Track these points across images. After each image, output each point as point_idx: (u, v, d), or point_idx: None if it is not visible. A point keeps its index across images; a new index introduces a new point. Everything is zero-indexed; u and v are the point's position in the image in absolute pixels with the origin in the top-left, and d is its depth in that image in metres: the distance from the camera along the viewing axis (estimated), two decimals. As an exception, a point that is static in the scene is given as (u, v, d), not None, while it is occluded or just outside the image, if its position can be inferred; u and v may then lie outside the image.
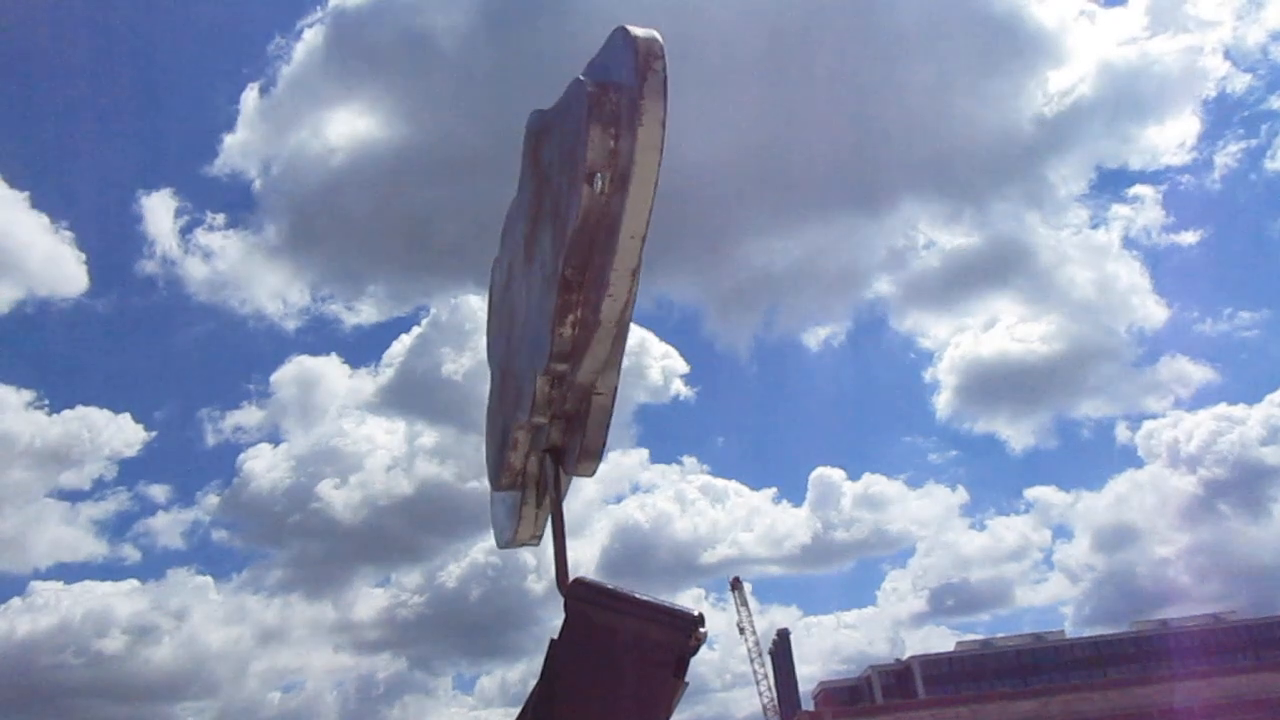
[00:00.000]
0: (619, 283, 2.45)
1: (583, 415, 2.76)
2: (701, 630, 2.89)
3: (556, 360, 2.65)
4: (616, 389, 2.70)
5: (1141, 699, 49.19)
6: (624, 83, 2.38)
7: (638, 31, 2.39)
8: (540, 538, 3.30)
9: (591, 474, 2.83)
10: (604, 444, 2.75)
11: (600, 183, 2.42)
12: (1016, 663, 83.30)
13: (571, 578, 2.98)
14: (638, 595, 2.95)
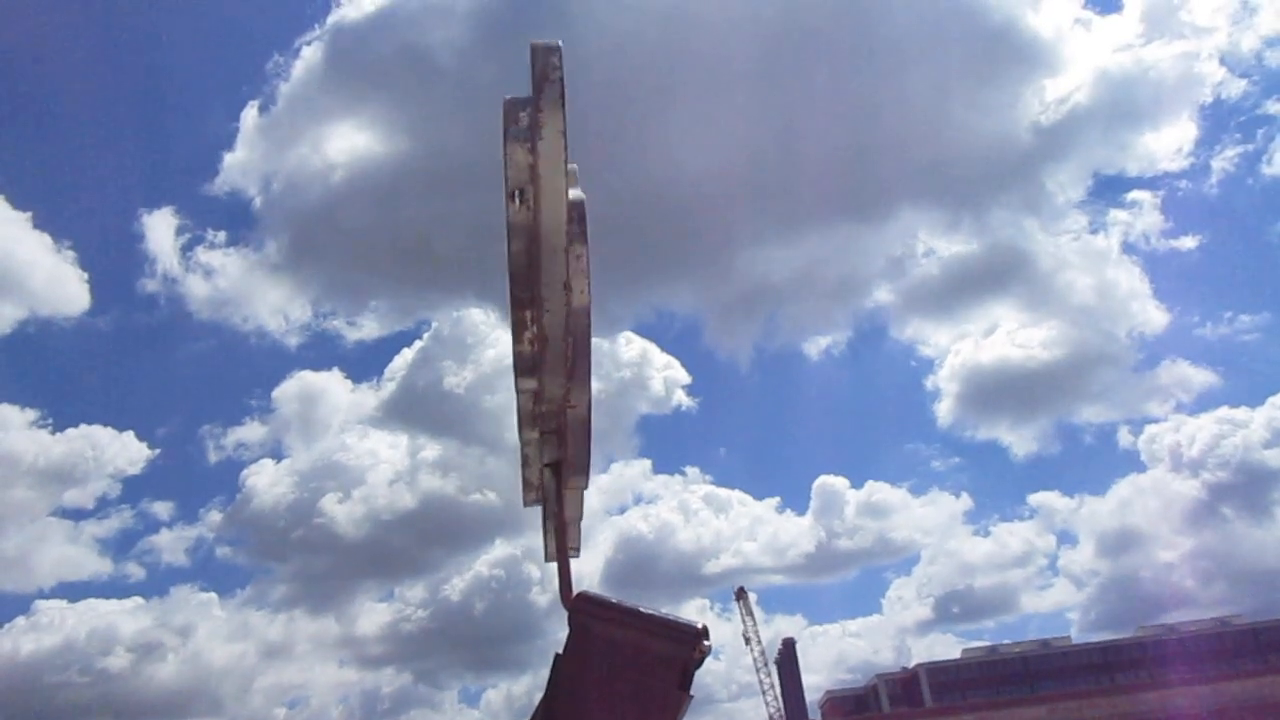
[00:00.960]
0: (551, 297, 2.50)
1: (562, 430, 2.78)
2: (705, 643, 2.90)
3: (523, 376, 2.69)
4: (590, 402, 2.70)
5: (1149, 704, 48.99)
6: (531, 96, 2.42)
7: (538, 43, 2.43)
8: (578, 550, 3.35)
9: (582, 488, 2.85)
10: (587, 457, 2.76)
11: (523, 198, 2.46)
12: (1023, 669, 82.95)
13: (575, 591, 2.99)
14: (641, 609, 2.96)
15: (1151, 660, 77.20)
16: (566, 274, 2.49)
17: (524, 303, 2.61)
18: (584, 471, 2.79)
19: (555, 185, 2.40)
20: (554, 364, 2.61)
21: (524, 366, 2.66)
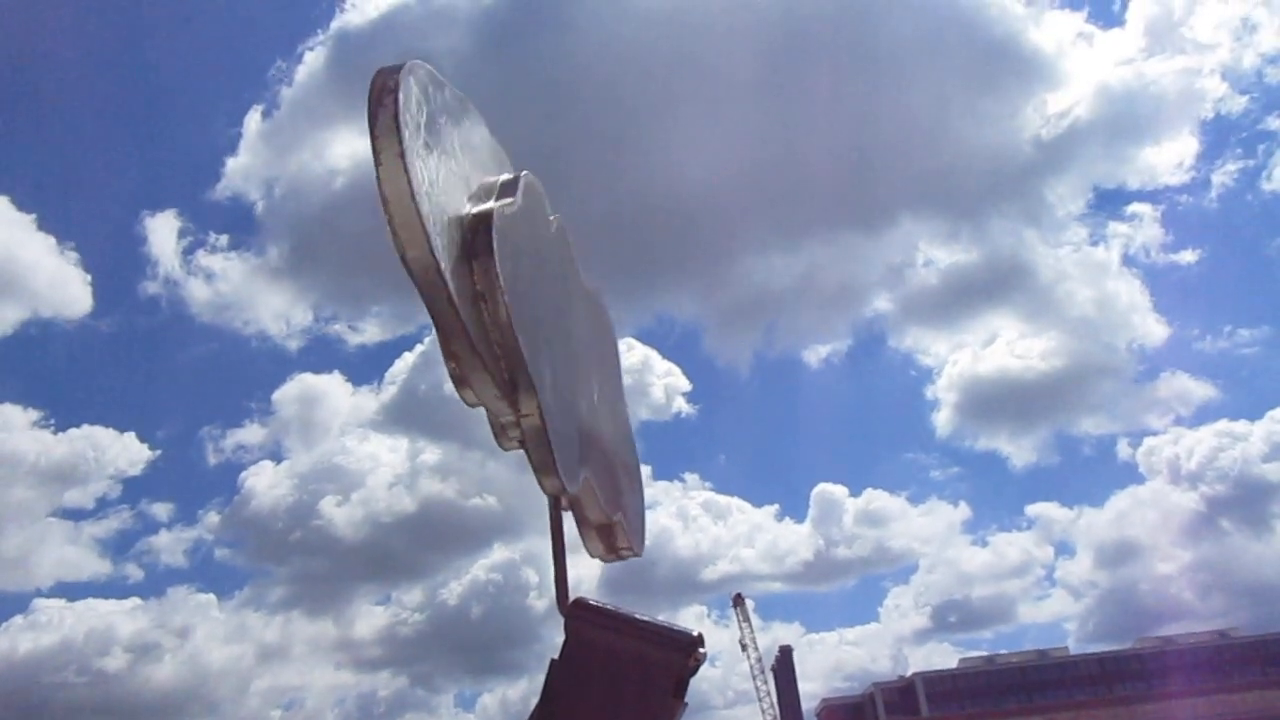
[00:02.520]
0: (444, 314, 2.46)
1: (524, 440, 2.78)
2: (701, 651, 2.91)
3: (460, 390, 2.72)
4: (540, 409, 2.69)
5: (1147, 716, 48.93)
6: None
7: (384, 67, 2.45)
8: (625, 550, 3.49)
9: (554, 490, 2.87)
10: (549, 463, 2.74)
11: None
12: (1021, 679, 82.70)
13: (572, 597, 3.01)
14: (637, 615, 2.97)
15: (1150, 672, 77.00)
16: (432, 293, 2.45)
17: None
18: (550, 475, 2.77)
19: (401, 210, 2.37)
20: (479, 379, 2.61)
21: (456, 382, 2.70)
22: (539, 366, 2.79)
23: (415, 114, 2.44)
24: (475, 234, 2.58)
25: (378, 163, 2.35)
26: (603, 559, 3.58)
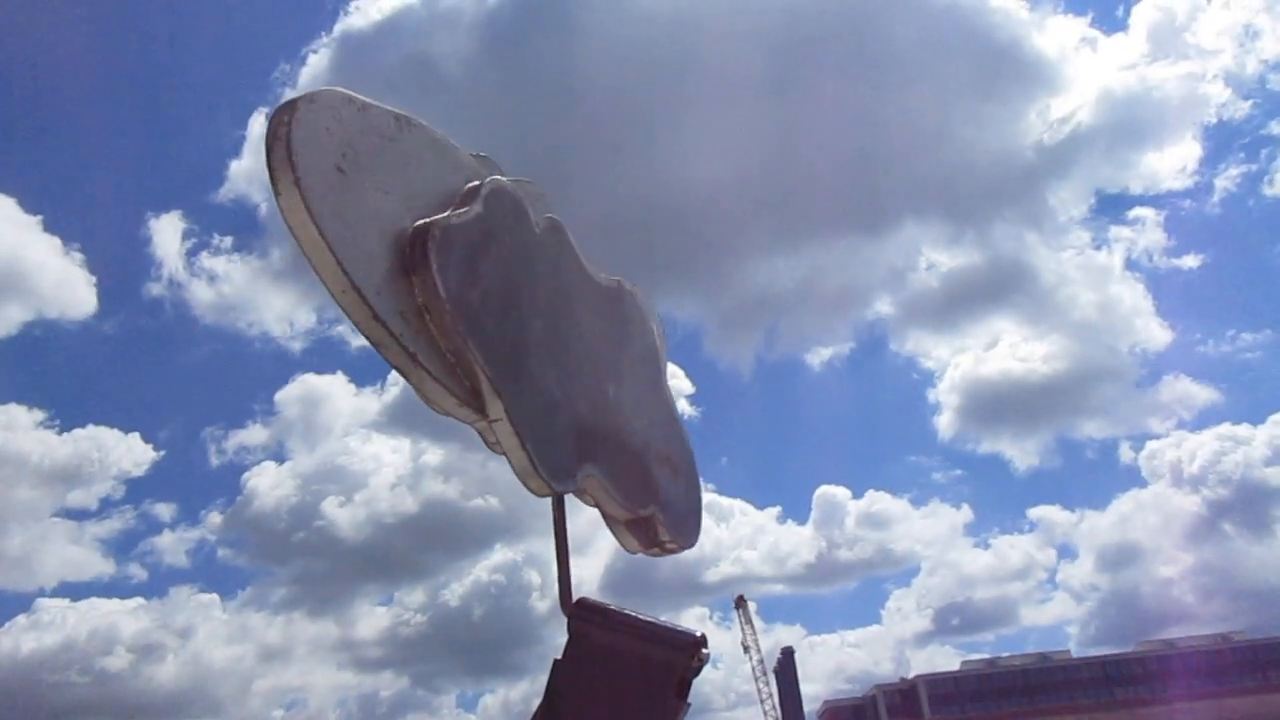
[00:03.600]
0: (374, 331, 2.56)
1: (499, 442, 2.86)
2: (704, 651, 2.91)
3: (423, 400, 2.79)
4: (509, 413, 2.76)
5: (1149, 719, 48.84)
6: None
7: (280, 104, 2.54)
8: (670, 544, 3.54)
9: (539, 491, 2.91)
10: (528, 465, 2.80)
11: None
12: (1022, 682, 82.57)
13: (575, 598, 3.00)
14: (640, 616, 2.97)
15: (1152, 675, 76.86)
16: (357, 314, 2.55)
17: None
18: (532, 477, 2.84)
19: (307, 237, 2.46)
20: (430, 389, 2.68)
21: (417, 393, 2.77)
22: (514, 368, 2.84)
23: (320, 141, 2.51)
24: (413, 248, 2.64)
25: (276, 193, 2.43)
26: (645, 553, 3.56)
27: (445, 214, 2.75)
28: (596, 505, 3.30)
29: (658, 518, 3.47)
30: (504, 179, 3.08)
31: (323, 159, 2.49)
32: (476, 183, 2.96)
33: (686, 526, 3.70)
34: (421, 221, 2.70)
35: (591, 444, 3.16)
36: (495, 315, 2.81)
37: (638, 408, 3.60)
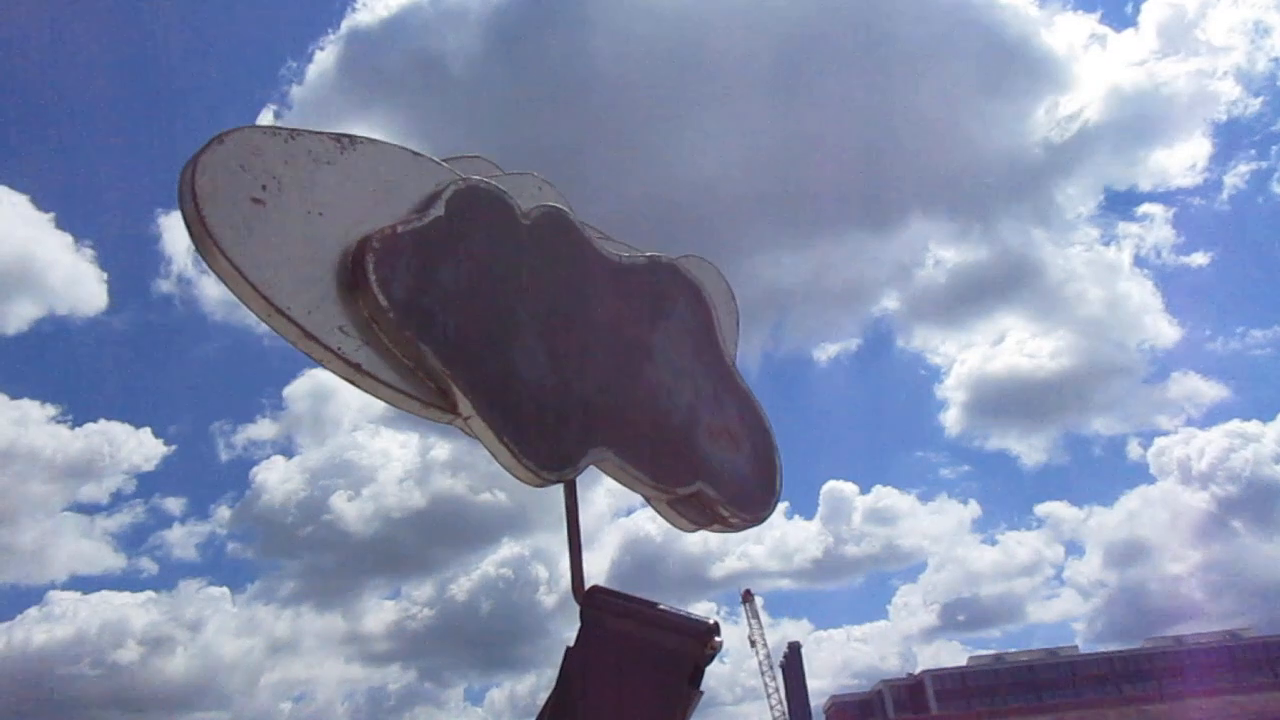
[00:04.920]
0: (314, 349, 2.70)
1: (477, 438, 2.96)
2: (717, 639, 2.90)
3: (394, 405, 2.92)
4: (475, 408, 2.87)
5: (1157, 716, 48.69)
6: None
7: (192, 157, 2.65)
8: (734, 519, 3.54)
9: (528, 480, 2.96)
10: (509, 457, 2.90)
11: None
12: (1030, 678, 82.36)
13: (588, 586, 3.00)
14: (654, 604, 2.96)
15: (1160, 672, 76.59)
16: (288, 334, 2.68)
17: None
18: (516, 468, 2.91)
19: (222, 270, 2.59)
20: (388, 396, 2.80)
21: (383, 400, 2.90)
22: (486, 362, 2.92)
23: (232, 179, 2.65)
24: (354, 263, 2.75)
25: (190, 237, 2.59)
26: (705, 529, 3.52)
27: (391, 224, 2.85)
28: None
29: (707, 494, 3.41)
30: (478, 179, 3.15)
31: (234, 195, 2.63)
32: (438, 187, 3.03)
33: (753, 500, 3.62)
34: (363, 236, 2.80)
35: (603, 425, 3.14)
36: (459, 313, 2.88)
37: (679, 381, 3.55)
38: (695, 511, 3.44)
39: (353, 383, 2.76)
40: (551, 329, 3.13)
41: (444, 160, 3.20)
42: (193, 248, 2.61)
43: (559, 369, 3.09)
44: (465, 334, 2.88)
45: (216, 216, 2.58)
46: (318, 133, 2.89)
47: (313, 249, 2.72)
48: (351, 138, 2.94)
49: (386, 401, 2.80)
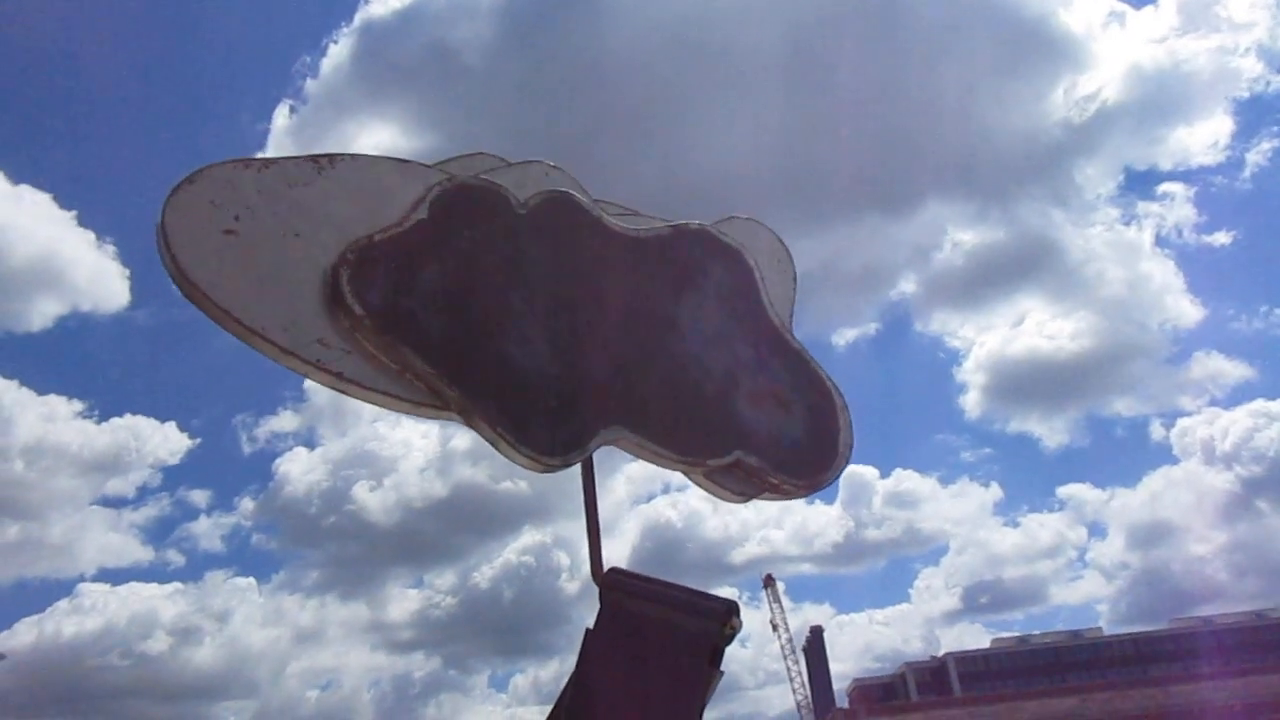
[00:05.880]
0: (295, 365, 2.83)
1: (476, 430, 3.03)
2: (736, 620, 2.90)
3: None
4: (463, 403, 2.95)
5: (1183, 697, 48.42)
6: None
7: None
8: (787, 485, 3.44)
9: (529, 466, 3.00)
10: (505, 446, 2.97)
11: None
12: (1054, 660, 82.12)
13: (607, 568, 3.00)
14: (673, 585, 2.96)
15: (1185, 653, 76.14)
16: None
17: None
18: (515, 456, 2.96)
19: (199, 300, 2.75)
20: (377, 400, 2.91)
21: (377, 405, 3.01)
22: (476, 356, 2.98)
23: (203, 215, 2.80)
24: (332, 277, 2.88)
25: (168, 275, 2.75)
26: (755, 499, 3.40)
27: (367, 234, 2.95)
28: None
29: (748, 462, 3.34)
30: (467, 177, 3.21)
31: (205, 230, 2.79)
32: (425, 191, 3.11)
33: (807, 464, 3.49)
34: (339, 253, 2.92)
35: (617, 404, 3.13)
36: (445, 312, 2.97)
37: (712, 350, 3.47)
38: (739, 482, 3.37)
39: (341, 391, 2.87)
40: (553, 315, 3.15)
41: (447, 161, 3.28)
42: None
43: (562, 354, 3.11)
44: (452, 332, 2.96)
45: (186, 252, 2.74)
46: (295, 157, 3.02)
47: (290, 269, 2.86)
48: (331, 157, 3.04)
49: (380, 406, 2.92)
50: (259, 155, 2.98)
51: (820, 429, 3.58)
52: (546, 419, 2.99)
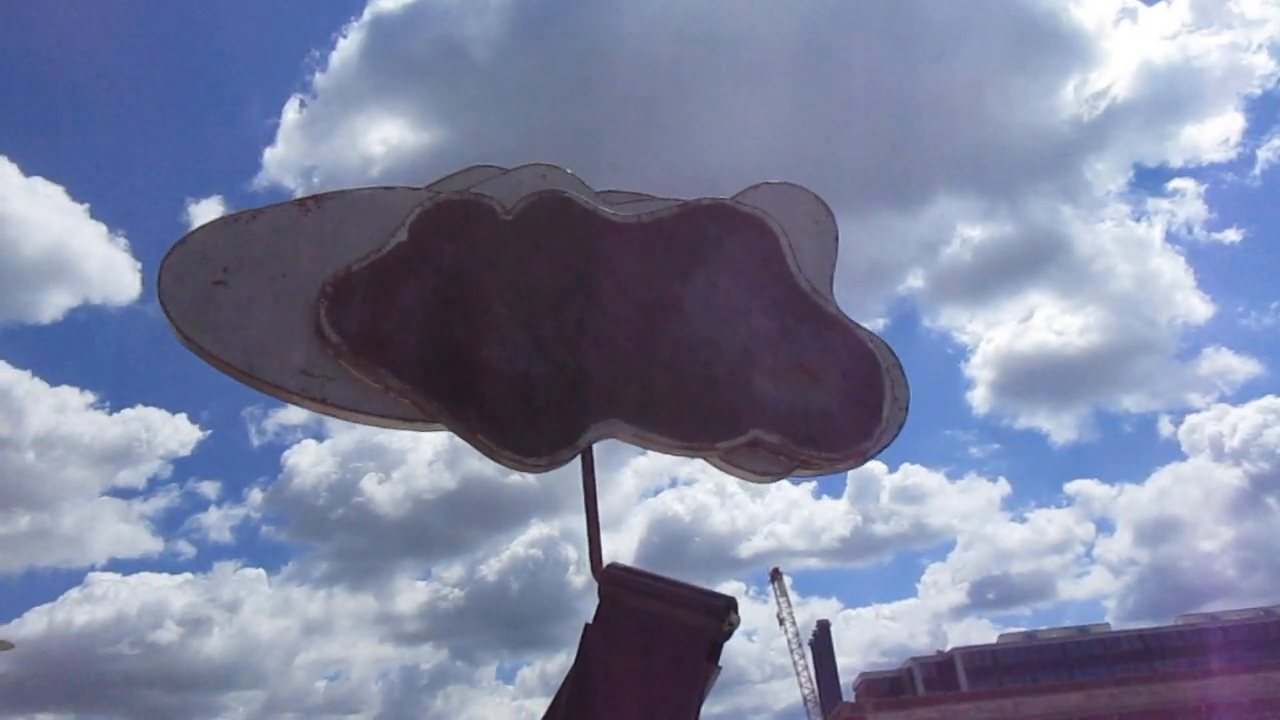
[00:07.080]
0: (280, 391, 3.05)
1: (464, 439, 3.21)
2: (734, 615, 2.91)
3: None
4: (441, 414, 3.17)
5: (1190, 693, 48.30)
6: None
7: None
8: (817, 458, 3.30)
9: (520, 470, 3.10)
10: (487, 450, 3.13)
11: None
12: (1061, 655, 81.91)
13: (606, 563, 3.02)
14: (671, 580, 2.97)
15: (1192, 649, 75.89)
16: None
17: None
18: (499, 459, 3.09)
19: (195, 349, 3.04)
20: (365, 420, 3.13)
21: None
22: (457, 368, 3.10)
23: (193, 271, 3.07)
24: (314, 313, 3.07)
25: (173, 331, 3.04)
26: (787, 477, 3.30)
27: (345, 266, 3.13)
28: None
29: (768, 440, 3.24)
30: (448, 193, 3.31)
31: (196, 283, 3.05)
32: (406, 215, 3.24)
33: (841, 435, 3.34)
34: (321, 287, 3.11)
35: (609, 398, 3.12)
36: (421, 328, 3.11)
37: (726, 328, 3.36)
38: (764, 462, 3.25)
39: (330, 415, 3.09)
40: (538, 315, 3.18)
41: (441, 180, 3.37)
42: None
43: (547, 353, 3.14)
44: (428, 346, 3.09)
45: (178, 306, 3.02)
46: (282, 204, 3.23)
47: (278, 309, 3.06)
48: (317, 198, 3.22)
49: (373, 425, 3.15)
50: (246, 209, 3.26)
51: (857, 396, 3.39)
52: (531, 420, 3.05)
